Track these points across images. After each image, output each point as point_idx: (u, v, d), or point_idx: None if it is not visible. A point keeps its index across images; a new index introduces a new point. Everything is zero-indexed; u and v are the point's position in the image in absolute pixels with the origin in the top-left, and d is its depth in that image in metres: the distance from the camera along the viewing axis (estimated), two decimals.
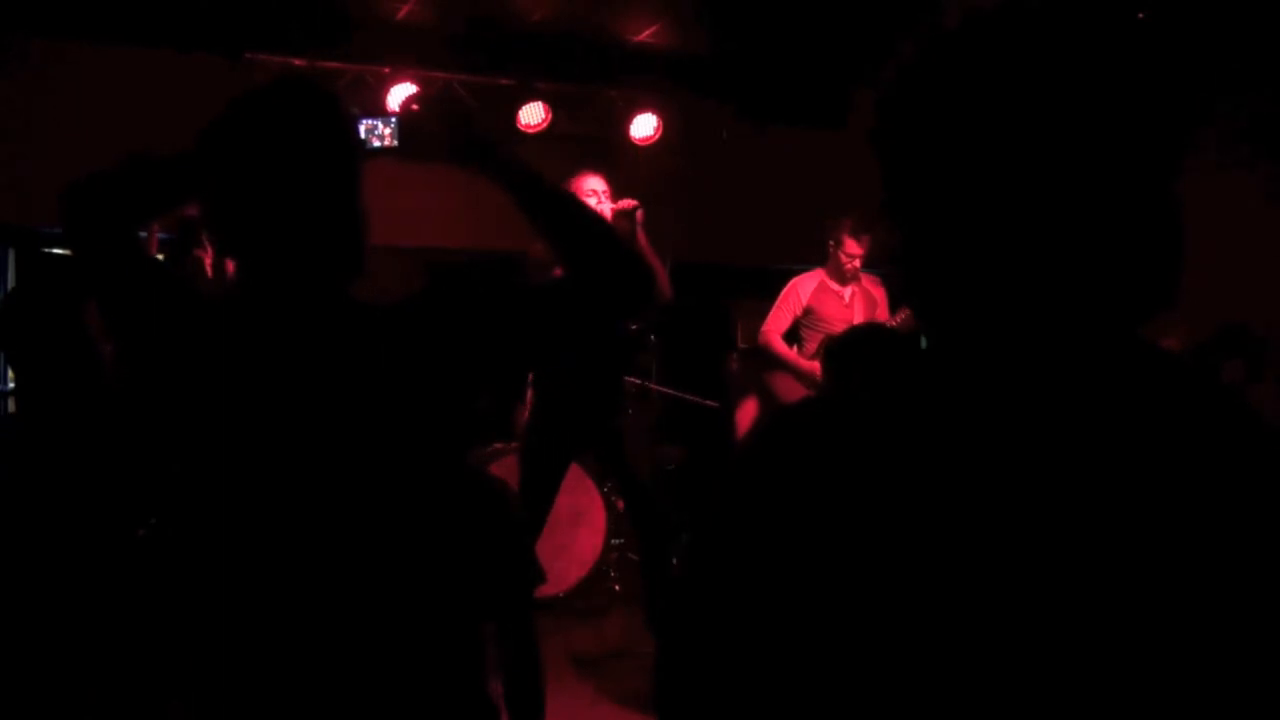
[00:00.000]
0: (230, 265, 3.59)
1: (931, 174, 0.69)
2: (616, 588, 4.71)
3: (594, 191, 3.66)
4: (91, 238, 1.25)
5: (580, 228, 1.29)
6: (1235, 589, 0.60)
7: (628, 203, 3.60)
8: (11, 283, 5.14)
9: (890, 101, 0.71)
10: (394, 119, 1.43)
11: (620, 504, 4.68)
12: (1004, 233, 0.66)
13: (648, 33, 5.28)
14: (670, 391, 4.75)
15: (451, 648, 1.23)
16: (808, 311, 4.44)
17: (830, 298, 4.44)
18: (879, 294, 4.52)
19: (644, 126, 5.41)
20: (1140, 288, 0.66)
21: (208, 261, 3.55)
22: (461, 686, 1.23)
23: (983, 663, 0.62)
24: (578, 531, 4.38)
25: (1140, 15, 0.67)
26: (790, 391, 4.41)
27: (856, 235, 4.31)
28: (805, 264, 4.55)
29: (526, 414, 3.93)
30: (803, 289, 4.46)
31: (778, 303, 4.49)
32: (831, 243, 4.39)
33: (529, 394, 3.93)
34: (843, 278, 4.43)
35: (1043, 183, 0.65)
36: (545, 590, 4.10)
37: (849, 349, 2.71)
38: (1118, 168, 0.65)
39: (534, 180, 1.31)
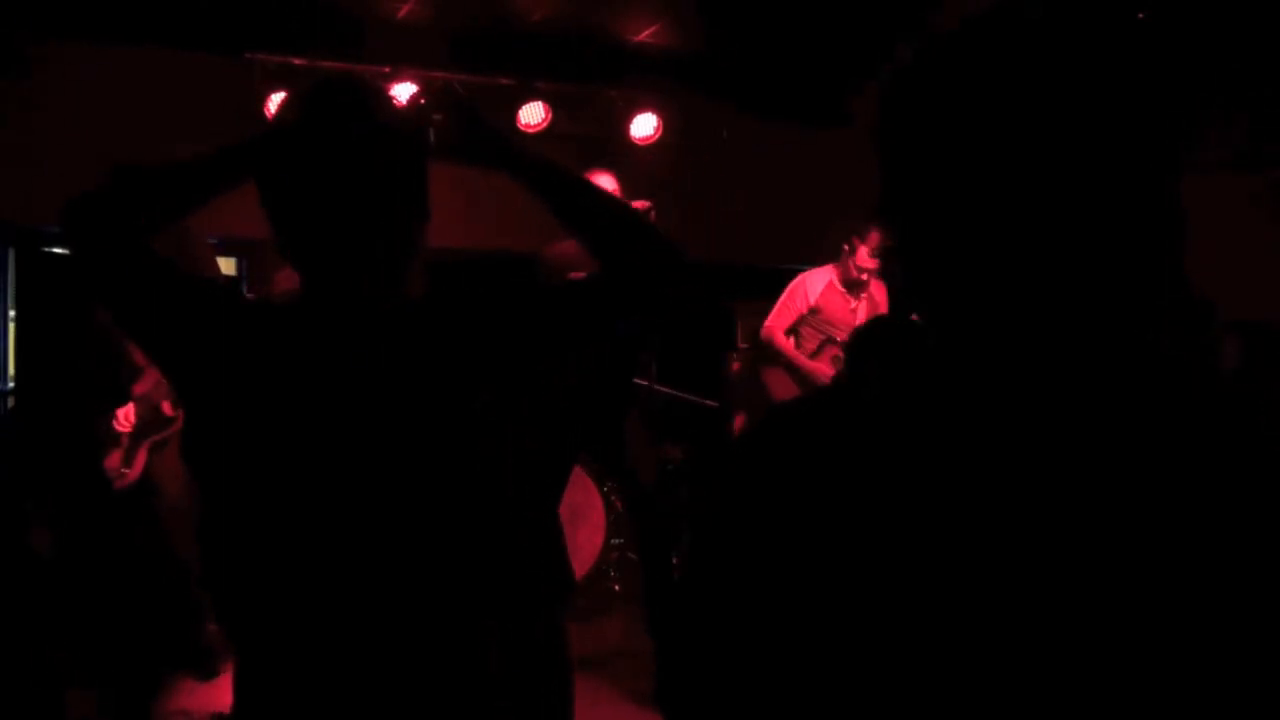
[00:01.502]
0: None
1: (930, 175, 0.69)
2: (616, 588, 4.71)
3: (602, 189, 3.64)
4: (96, 251, 1.22)
5: (608, 213, 1.27)
6: (1226, 594, 0.60)
7: (639, 204, 3.57)
8: (12, 283, 5.14)
9: (888, 102, 0.71)
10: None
11: (619, 504, 4.68)
12: (1000, 233, 0.66)
13: (648, 33, 5.28)
14: (670, 391, 4.75)
15: (479, 648, 1.24)
16: (814, 311, 4.35)
17: (838, 300, 4.35)
18: (881, 297, 4.49)
19: (644, 126, 5.40)
20: (1138, 285, 0.66)
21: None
22: (479, 686, 1.24)
23: (982, 664, 0.62)
24: (578, 531, 4.38)
25: (1140, 15, 0.67)
26: (785, 391, 4.37)
27: (873, 249, 4.18)
28: (805, 264, 4.53)
29: None
30: (811, 287, 4.36)
31: (783, 299, 4.41)
32: (846, 247, 4.28)
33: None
34: (851, 286, 4.36)
35: (1038, 183, 0.65)
36: None
37: (867, 341, 2.72)
38: (1112, 166, 0.65)
39: (552, 169, 1.30)
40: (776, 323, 4.39)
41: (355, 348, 1.19)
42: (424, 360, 1.19)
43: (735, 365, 5.27)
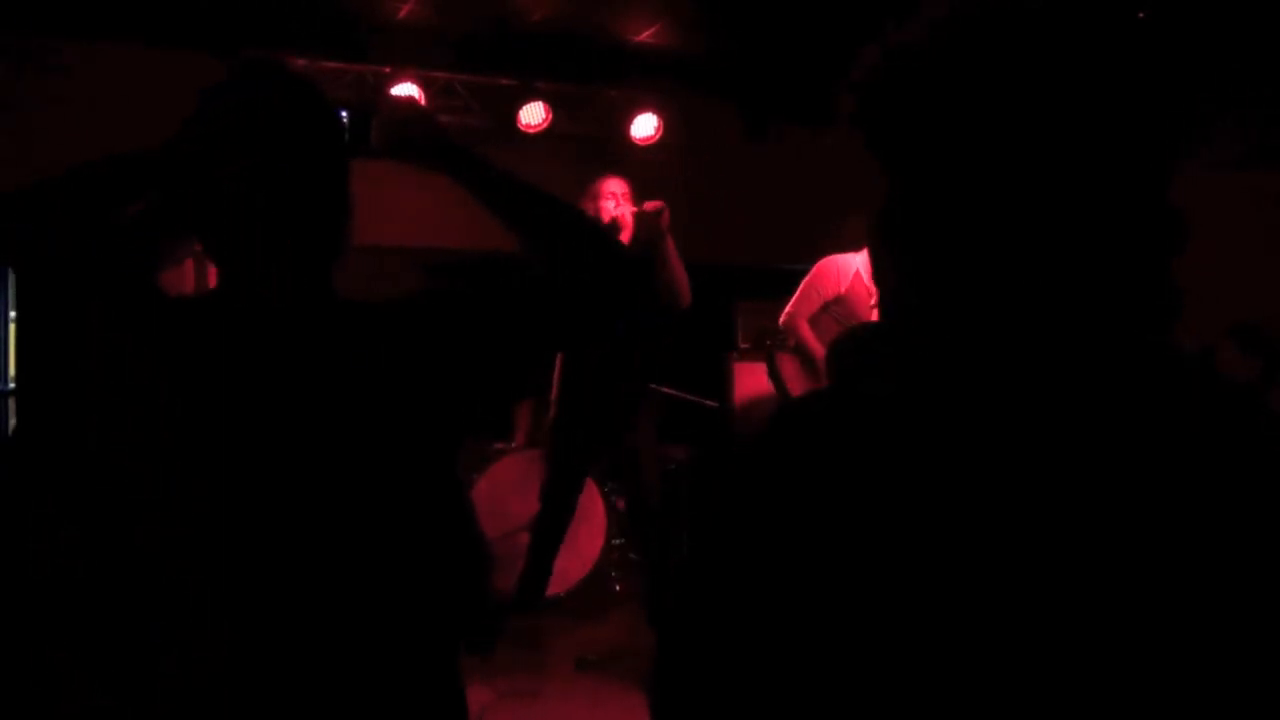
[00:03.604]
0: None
1: (923, 173, 0.68)
2: (617, 588, 4.71)
3: (613, 194, 3.61)
4: (23, 246, 1.17)
5: (554, 218, 1.23)
6: (1238, 593, 0.60)
7: (652, 205, 3.53)
8: (12, 283, 5.13)
9: (877, 94, 0.71)
10: (349, 115, 1.38)
11: (620, 503, 4.68)
12: (1000, 232, 0.66)
13: (648, 33, 5.27)
14: (670, 391, 4.75)
15: (428, 651, 1.21)
16: (839, 300, 4.00)
17: (863, 293, 3.99)
18: None
19: (644, 126, 5.40)
20: (1140, 291, 0.66)
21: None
22: (436, 686, 1.21)
23: (990, 666, 0.62)
24: (578, 531, 4.38)
25: (1140, 15, 0.67)
26: (797, 380, 4.22)
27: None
28: (806, 264, 4.51)
29: (552, 414, 3.92)
30: (842, 273, 3.99)
31: (807, 283, 4.06)
32: None
33: (554, 395, 3.91)
34: None
35: (1033, 186, 0.65)
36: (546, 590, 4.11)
37: (859, 347, 2.71)
38: (1111, 170, 0.65)
39: (493, 171, 1.25)
40: (800, 309, 4.04)
41: (324, 350, 1.15)
42: (411, 359, 1.16)
43: (735, 365, 5.23)
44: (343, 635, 1.14)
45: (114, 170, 1.22)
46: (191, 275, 3.45)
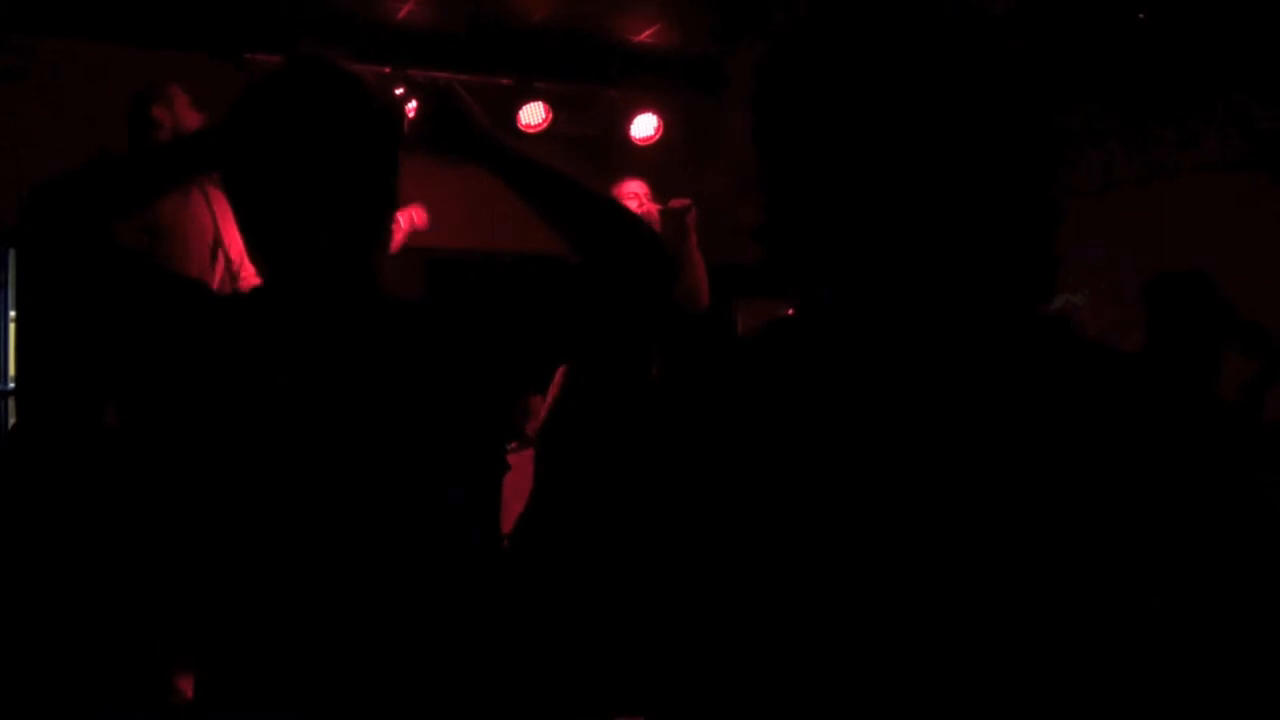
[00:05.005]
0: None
1: (820, 151, 0.71)
2: None
3: (634, 194, 3.62)
4: (56, 239, 1.17)
5: (592, 209, 1.24)
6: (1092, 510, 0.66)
7: (679, 202, 3.53)
8: (12, 283, 5.14)
9: (780, 71, 0.74)
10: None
11: None
12: (888, 210, 0.70)
13: (648, 33, 5.28)
14: None
15: (469, 648, 1.21)
16: None
17: None
18: None
19: (644, 126, 5.40)
20: (1016, 278, 0.71)
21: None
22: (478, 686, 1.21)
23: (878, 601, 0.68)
24: None
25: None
26: None
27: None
28: None
29: (544, 411, 3.89)
30: None
31: None
32: None
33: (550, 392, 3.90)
34: None
35: (926, 167, 0.69)
36: None
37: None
38: (994, 156, 0.69)
39: (532, 165, 1.26)
40: None
41: (353, 346, 1.16)
42: (423, 362, 1.17)
43: None
44: (369, 635, 1.14)
45: (146, 162, 1.22)
46: (209, 214, 3.39)
